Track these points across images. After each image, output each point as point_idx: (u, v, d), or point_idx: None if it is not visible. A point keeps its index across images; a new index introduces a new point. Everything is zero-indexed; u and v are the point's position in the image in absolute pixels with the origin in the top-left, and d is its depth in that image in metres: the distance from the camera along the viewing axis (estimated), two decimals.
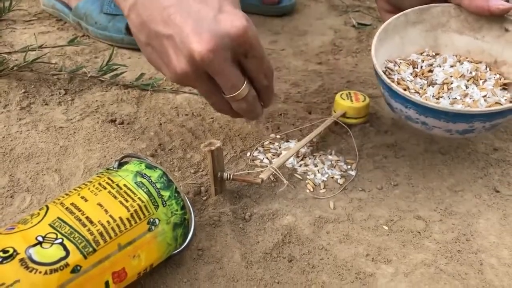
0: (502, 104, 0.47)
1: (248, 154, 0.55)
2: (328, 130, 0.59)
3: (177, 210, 0.37)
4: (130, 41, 0.76)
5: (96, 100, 0.63)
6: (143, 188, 0.36)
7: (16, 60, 0.69)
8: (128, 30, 0.75)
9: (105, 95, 0.64)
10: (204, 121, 0.60)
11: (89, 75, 0.67)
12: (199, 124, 0.60)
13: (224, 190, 0.49)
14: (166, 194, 0.37)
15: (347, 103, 0.59)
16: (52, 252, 0.31)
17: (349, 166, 0.54)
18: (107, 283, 0.33)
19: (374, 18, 0.99)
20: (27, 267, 0.30)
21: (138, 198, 0.35)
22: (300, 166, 0.54)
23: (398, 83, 0.50)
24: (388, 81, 0.46)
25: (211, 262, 0.41)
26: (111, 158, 0.52)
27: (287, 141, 0.58)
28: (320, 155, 0.55)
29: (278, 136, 0.58)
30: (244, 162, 0.54)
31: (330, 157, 0.55)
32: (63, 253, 0.31)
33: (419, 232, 0.46)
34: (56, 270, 0.30)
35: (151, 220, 0.35)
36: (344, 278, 0.41)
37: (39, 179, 0.48)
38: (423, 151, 0.58)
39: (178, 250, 0.39)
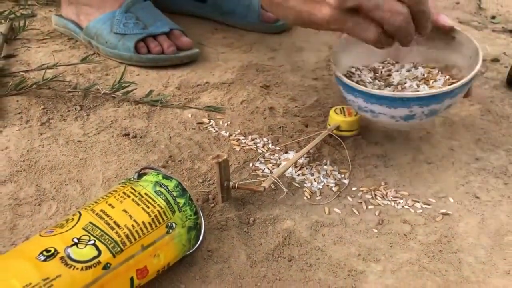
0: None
1: (251, 164, 0.61)
2: (323, 142, 0.65)
3: (190, 215, 0.42)
4: (138, 59, 0.81)
5: (110, 116, 0.68)
6: (161, 196, 0.41)
7: (34, 78, 0.74)
8: (136, 48, 0.81)
9: (117, 111, 0.69)
10: (210, 134, 0.66)
11: (102, 92, 0.72)
12: (205, 137, 0.65)
13: (230, 198, 0.54)
14: (181, 201, 0.42)
15: (341, 117, 0.64)
16: (87, 252, 0.36)
17: (342, 175, 0.60)
18: (132, 279, 0.38)
19: None
20: (66, 264, 0.35)
21: (158, 205, 0.41)
22: (298, 175, 0.59)
23: (358, 84, 0.56)
24: (340, 74, 0.53)
25: (219, 261, 0.46)
26: (127, 169, 0.57)
27: (286, 152, 0.63)
28: (316, 165, 0.61)
29: (277, 148, 0.64)
30: (247, 172, 0.59)
31: (325, 167, 0.61)
32: (95, 253, 0.36)
33: (405, 235, 0.51)
34: (90, 267, 0.35)
35: (169, 224, 0.40)
36: (338, 275, 0.46)
37: (63, 188, 0.54)
38: (410, 160, 0.63)
39: (191, 251, 0.44)
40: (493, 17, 1.21)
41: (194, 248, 0.44)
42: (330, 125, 0.66)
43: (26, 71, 0.78)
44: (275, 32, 1.00)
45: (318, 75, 0.85)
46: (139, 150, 0.61)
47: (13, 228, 0.48)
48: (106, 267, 0.36)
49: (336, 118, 0.65)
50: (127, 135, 0.64)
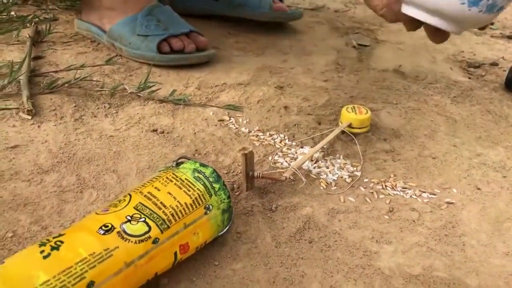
0: None
1: (270, 158, 0.66)
2: (336, 138, 0.70)
3: (224, 199, 0.47)
4: (160, 58, 0.87)
5: (137, 113, 0.73)
6: (200, 181, 0.46)
7: (63, 77, 0.79)
8: (158, 49, 0.86)
9: (144, 109, 0.75)
10: (231, 131, 0.71)
11: (129, 91, 0.77)
12: (227, 133, 0.70)
13: (253, 187, 0.59)
14: (216, 186, 0.47)
15: (352, 115, 0.70)
16: (139, 228, 0.41)
17: (355, 168, 0.65)
18: (175, 254, 0.43)
19: (372, 40, 1.11)
20: (122, 238, 0.40)
21: (197, 188, 0.46)
22: (314, 168, 0.64)
23: None
24: None
25: (247, 242, 0.51)
26: (158, 161, 0.62)
27: (302, 148, 0.68)
28: (331, 159, 0.66)
29: (293, 143, 0.69)
30: (267, 164, 0.64)
31: (338, 160, 0.66)
32: (146, 229, 0.41)
33: (414, 221, 0.56)
34: (142, 241, 0.40)
35: (207, 205, 0.46)
36: (354, 255, 0.51)
37: (101, 178, 0.59)
38: (416, 155, 0.68)
39: (223, 231, 0.49)
40: (491, 23, 1.27)
41: (226, 229, 0.49)
42: (342, 123, 0.71)
43: (55, 72, 0.83)
44: (287, 21, 1.06)
45: (327, 77, 0.90)
46: (167, 144, 0.66)
47: (60, 212, 0.53)
48: (155, 241, 0.41)
49: (348, 116, 0.70)
50: (155, 130, 0.69)
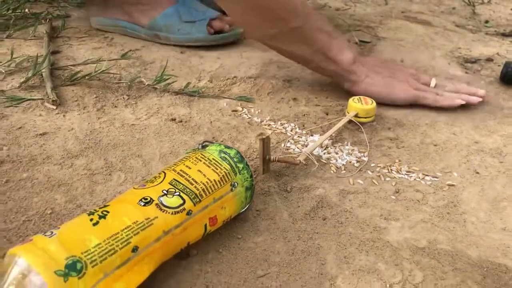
0: None
1: (282, 145, 0.70)
2: (343, 127, 0.74)
3: (247, 178, 0.52)
4: (211, 38, 0.99)
5: (155, 104, 0.77)
6: (225, 161, 0.51)
7: (82, 71, 0.83)
8: (207, 29, 0.98)
9: (161, 100, 0.79)
10: (244, 120, 0.75)
11: (146, 84, 0.81)
12: (241, 123, 0.75)
13: (269, 171, 0.63)
14: (240, 165, 0.51)
15: (359, 105, 0.74)
16: (174, 200, 0.45)
17: (362, 154, 0.69)
18: (205, 225, 0.47)
19: (373, 36, 1.15)
20: (161, 209, 0.44)
21: (224, 167, 0.50)
22: (324, 154, 0.69)
23: None
24: None
25: (267, 219, 0.56)
26: (178, 147, 0.66)
27: (311, 135, 0.73)
28: (339, 146, 0.71)
29: (304, 132, 0.73)
30: (280, 151, 0.69)
31: (347, 147, 0.70)
32: (181, 201, 0.45)
33: (418, 200, 0.61)
34: (178, 212, 0.45)
35: (233, 183, 0.50)
36: (365, 230, 0.55)
37: (127, 162, 0.63)
38: (419, 143, 0.73)
39: (245, 208, 0.54)
40: (486, 22, 1.32)
41: (247, 207, 0.54)
42: (348, 113, 0.76)
43: (73, 65, 0.87)
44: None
45: None
46: (186, 132, 0.70)
47: (92, 192, 0.57)
48: (189, 213, 0.45)
49: (354, 106, 0.75)
50: (173, 119, 0.73)
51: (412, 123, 0.78)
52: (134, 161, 0.63)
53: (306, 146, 0.69)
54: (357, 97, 0.76)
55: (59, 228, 0.40)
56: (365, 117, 0.75)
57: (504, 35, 1.23)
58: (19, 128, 0.67)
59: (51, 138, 0.66)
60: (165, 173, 0.48)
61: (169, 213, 0.44)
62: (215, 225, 0.49)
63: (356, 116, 0.74)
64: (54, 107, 0.73)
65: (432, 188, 0.63)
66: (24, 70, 0.83)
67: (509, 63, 0.93)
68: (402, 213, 0.58)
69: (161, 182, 0.46)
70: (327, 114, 0.79)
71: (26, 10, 1.11)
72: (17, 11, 1.09)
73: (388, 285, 0.48)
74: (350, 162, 0.67)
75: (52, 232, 0.39)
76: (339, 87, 0.88)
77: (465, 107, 0.83)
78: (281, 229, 0.54)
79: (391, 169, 0.66)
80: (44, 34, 0.97)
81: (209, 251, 0.50)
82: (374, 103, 0.75)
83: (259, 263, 0.50)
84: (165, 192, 0.45)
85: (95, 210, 0.42)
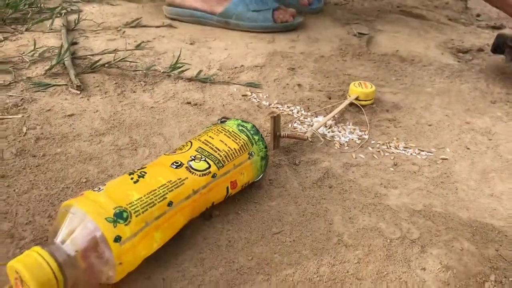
0: None
1: (290, 125, 0.76)
2: (345, 109, 0.81)
3: (262, 148, 0.58)
4: (276, 26, 1.13)
5: (171, 89, 0.83)
6: (243, 133, 0.57)
7: (101, 59, 0.89)
8: (273, 18, 1.12)
9: (176, 86, 0.85)
10: (253, 104, 0.81)
11: (161, 71, 0.87)
12: (250, 106, 0.81)
13: (279, 147, 0.69)
14: (256, 137, 0.57)
15: (359, 89, 0.81)
16: (201, 165, 0.51)
17: (363, 132, 0.76)
18: (227, 188, 0.54)
19: (370, 29, 1.22)
20: (190, 171, 0.50)
21: (242, 138, 0.56)
22: (329, 132, 0.75)
23: None
24: None
25: (279, 187, 0.62)
26: (195, 126, 0.73)
27: (316, 117, 0.79)
28: (342, 126, 0.77)
29: (309, 114, 0.80)
30: (289, 130, 0.75)
31: (349, 126, 0.77)
32: (207, 166, 0.51)
33: (415, 172, 0.67)
34: (204, 174, 0.51)
35: (250, 152, 0.56)
36: (367, 196, 0.62)
37: (150, 139, 0.69)
38: (414, 123, 0.80)
39: (260, 177, 0.60)
40: (478, 15, 1.39)
41: (262, 175, 0.60)
42: (350, 96, 0.82)
43: (92, 55, 0.93)
44: (311, 13, 1.29)
45: (333, 60, 1.01)
46: (201, 113, 0.76)
47: (121, 164, 0.63)
48: (213, 176, 0.52)
49: (355, 90, 0.81)
50: (189, 103, 0.79)
51: (408, 106, 0.85)
52: (156, 138, 0.69)
53: (312, 126, 0.76)
54: (358, 82, 0.83)
55: (105, 185, 0.46)
56: (365, 100, 0.81)
57: (495, 27, 1.30)
58: (48, 110, 0.73)
59: (79, 118, 0.72)
60: (191, 142, 0.54)
61: (197, 175, 0.50)
62: (235, 189, 0.55)
63: (356, 99, 0.81)
64: (78, 92, 0.79)
65: (427, 162, 0.70)
66: (46, 59, 0.89)
67: (500, 35, 0.99)
68: (400, 182, 0.65)
69: (189, 149, 0.53)
70: (329, 98, 0.85)
71: (41, 5, 1.17)
72: (33, 6, 1.15)
73: (389, 240, 0.54)
74: (352, 139, 0.74)
75: (99, 188, 0.45)
76: (340, 74, 0.94)
77: (457, 92, 0.90)
78: (292, 195, 0.61)
79: (389, 146, 0.73)
80: (61, 27, 1.03)
81: (229, 213, 0.56)
82: (374, 87, 0.82)
83: (274, 223, 0.56)
84: (193, 157, 0.51)
85: (134, 171, 0.48)
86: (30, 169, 0.60)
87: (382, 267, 0.50)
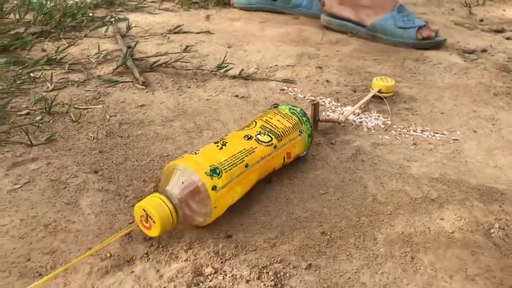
0: None
1: (324, 113, 0.90)
2: (369, 100, 0.95)
3: (309, 128, 0.72)
4: (420, 44, 1.24)
5: (219, 85, 0.98)
6: (294, 115, 0.71)
7: (159, 60, 1.03)
8: (416, 35, 1.23)
9: (223, 82, 0.99)
10: (290, 96, 0.96)
11: (210, 70, 1.02)
12: (288, 98, 0.95)
13: (317, 130, 0.83)
14: (304, 118, 0.71)
15: (381, 83, 0.95)
16: (265, 138, 0.65)
17: (386, 119, 0.90)
18: (284, 157, 0.68)
19: None
20: (258, 142, 0.64)
21: (294, 119, 0.70)
22: (357, 119, 0.89)
23: None
24: None
25: (321, 160, 0.76)
26: (246, 115, 0.87)
27: (345, 107, 0.93)
28: (368, 114, 0.91)
29: (339, 104, 0.94)
30: (323, 117, 0.89)
31: (374, 114, 0.91)
32: (270, 139, 0.65)
33: (431, 149, 0.81)
34: (268, 146, 0.65)
35: (300, 130, 0.70)
36: (393, 167, 0.75)
37: (211, 124, 0.83)
38: (429, 111, 0.93)
39: (306, 152, 0.74)
40: (481, 20, 1.53)
41: (307, 151, 0.74)
42: (373, 89, 0.96)
43: (147, 57, 1.08)
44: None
45: (354, 60, 1.15)
46: (248, 104, 0.91)
47: (191, 143, 0.77)
48: (275, 147, 0.66)
49: (378, 83, 0.95)
50: (236, 96, 0.93)
51: (423, 98, 0.99)
52: (215, 124, 0.83)
53: (343, 114, 0.90)
54: (379, 77, 0.97)
55: (198, 150, 0.60)
56: (387, 92, 0.95)
57: (497, 31, 1.44)
58: (122, 101, 0.88)
59: (149, 108, 0.86)
60: (256, 122, 0.68)
61: (263, 145, 0.64)
62: (289, 158, 0.69)
63: (379, 91, 0.95)
64: (144, 87, 0.93)
65: (441, 142, 0.84)
66: (109, 60, 1.04)
67: None
68: (420, 157, 0.79)
69: (254, 126, 0.67)
70: (355, 92, 0.99)
71: (93, 14, 1.32)
72: (85, 15, 1.30)
73: (413, 199, 0.68)
74: (377, 124, 0.88)
75: (195, 152, 0.59)
76: (362, 72, 1.08)
77: (464, 87, 1.03)
78: (332, 167, 0.75)
79: (409, 129, 0.87)
80: (115, 34, 1.18)
81: (283, 179, 0.70)
82: (393, 82, 0.96)
83: (320, 186, 0.70)
84: (258, 132, 0.66)
85: (217, 141, 0.63)
86: (120, 146, 0.74)
87: (409, 218, 0.64)
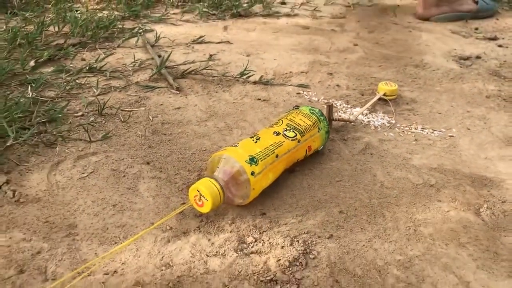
0: None
1: (336, 114, 1.03)
2: (376, 102, 1.07)
3: (326, 126, 0.85)
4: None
5: (243, 90, 1.11)
6: (314, 114, 0.84)
7: (190, 68, 1.16)
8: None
9: (245, 87, 1.12)
10: (306, 99, 1.09)
11: (234, 77, 1.15)
12: (304, 101, 1.08)
13: (331, 128, 0.96)
14: (322, 117, 0.84)
15: (386, 87, 1.08)
16: (291, 134, 0.78)
17: (390, 118, 1.02)
18: (306, 150, 0.80)
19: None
20: (285, 137, 0.77)
21: (313, 118, 0.83)
22: (366, 119, 1.02)
23: None
24: None
25: (335, 153, 0.89)
26: (269, 115, 0.99)
27: (354, 108, 1.06)
28: (375, 114, 1.04)
29: (349, 106, 1.07)
30: (336, 117, 1.02)
31: (380, 115, 1.04)
32: (294, 134, 0.78)
33: (430, 144, 0.94)
34: (293, 140, 0.78)
35: (319, 127, 0.83)
36: (397, 159, 0.88)
37: (239, 124, 0.96)
38: (428, 112, 1.06)
39: (323, 146, 0.87)
40: (476, 29, 1.66)
41: (324, 146, 0.87)
42: (378, 92, 1.09)
43: (176, 65, 1.21)
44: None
45: (360, 67, 1.29)
46: (269, 106, 1.04)
47: (224, 140, 0.90)
48: (298, 141, 0.78)
49: (383, 87, 1.08)
50: (259, 99, 1.06)
51: (423, 101, 1.12)
52: (243, 123, 0.96)
53: (353, 114, 1.03)
54: (384, 81, 1.10)
55: (238, 144, 0.73)
56: (391, 96, 1.08)
57: (490, 39, 1.57)
58: (161, 104, 1.01)
59: (185, 110, 0.99)
60: (282, 120, 0.81)
61: (289, 140, 0.77)
62: (310, 151, 0.82)
63: (384, 94, 1.08)
64: (178, 92, 1.06)
65: (439, 138, 0.96)
66: (143, 68, 1.17)
67: None
68: (420, 151, 0.91)
69: (281, 124, 0.80)
70: (362, 95, 1.12)
71: (123, 26, 1.45)
72: (115, 27, 1.43)
73: (415, 185, 0.81)
74: (383, 123, 1.00)
75: (236, 145, 0.72)
76: (368, 77, 1.21)
77: (460, 90, 1.16)
78: (345, 159, 0.87)
79: (410, 127, 0.99)
80: (146, 44, 1.31)
81: (305, 169, 0.83)
82: (397, 86, 1.09)
83: (335, 174, 0.82)
84: (285, 129, 0.78)
85: (252, 136, 0.75)
86: (165, 142, 0.87)
87: (412, 199, 0.77)
